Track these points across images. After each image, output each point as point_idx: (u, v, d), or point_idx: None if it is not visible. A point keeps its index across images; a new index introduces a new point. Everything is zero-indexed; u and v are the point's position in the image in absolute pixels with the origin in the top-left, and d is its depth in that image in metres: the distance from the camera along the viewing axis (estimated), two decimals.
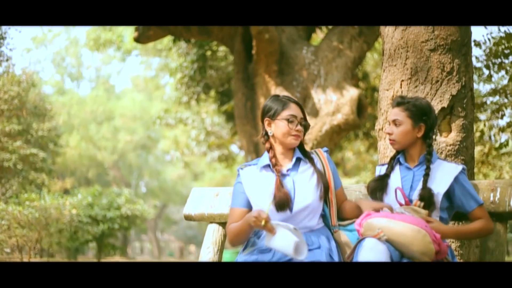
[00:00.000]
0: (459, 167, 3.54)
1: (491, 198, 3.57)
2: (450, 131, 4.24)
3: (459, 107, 4.24)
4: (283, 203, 3.40)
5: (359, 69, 11.90)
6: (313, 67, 9.49)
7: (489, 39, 9.24)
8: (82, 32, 46.24)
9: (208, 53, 14.49)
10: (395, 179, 3.65)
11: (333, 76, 9.46)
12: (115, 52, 33.44)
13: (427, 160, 3.57)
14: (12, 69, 15.76)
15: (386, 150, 4.39)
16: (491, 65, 9.33)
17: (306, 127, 3.61)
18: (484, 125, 10.67)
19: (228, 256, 19.05)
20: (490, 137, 11.10)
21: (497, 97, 10.14)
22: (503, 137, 10.98)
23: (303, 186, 3.50)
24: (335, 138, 9.51)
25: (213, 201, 4.20)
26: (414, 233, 3.14)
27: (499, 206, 3.53)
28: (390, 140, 3.67)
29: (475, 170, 7.56)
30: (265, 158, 3.63)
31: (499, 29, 9.20)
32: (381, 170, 3.84)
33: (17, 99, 15.99)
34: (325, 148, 3.75)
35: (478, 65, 9.40)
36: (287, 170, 3.55)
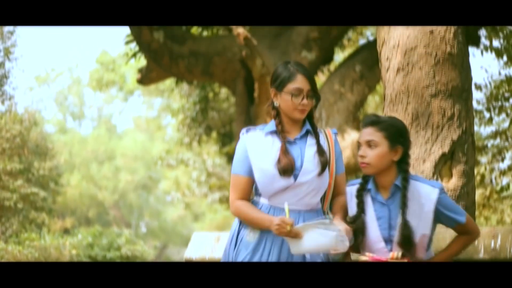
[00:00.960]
0: (436, 189, 3.27)
1: (492, 245, 3.56)
2: (451, 176, 4.24)
3: (460, 152, 4.25)
4: (287, 168, 3.28)
5: (360, 112, 11.95)
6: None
7: (489, 83, 9.30)
8: (85, 72, 46.53)
9: (210, 94, 14.57)
10: (371, 219, 3.32)
11: (335, 119, 9.49)
12: (117, 92, 33.65)
13: (404, 187, 3.26)
14: (14, 107, 15.81)
15: None
16: (492, 108, 9.38)
17: (315, 98, 3.46)
18: (485, 168, 10.67)
19: None
20: (491, 180, 11.10)
21: (498, 140, 10.17)
22: (504, 180, 10.97)
23: (310, 158, 3.37)
24: None
25: (214, 245, 4.20)
26: None
27: (500, 253, 3.52)
28: (362, 163, 3.31)
29: (476, 213, 7.55)
30: (271, 125, 3.51)
31: (500, 73, 9.26)
32: (352, 194, 3.43)
33: (19, 137, 16.01)
34: (334, 130, 3.57)
35: (479, 108, 9.44)
36: (295, 139, 3.43)
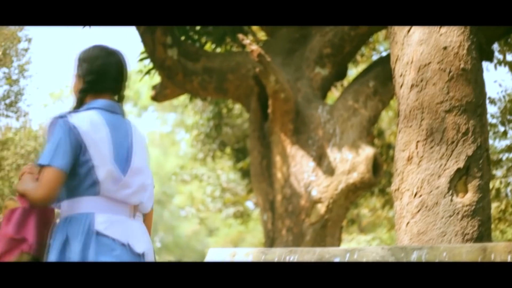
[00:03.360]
0: None
1: (509, 259, 3.55)
2: (467, 191, 4.24)
3: (475, 167, 4.25)
4: None
5: (374, 127, 11.95)
6: (328, 126, 9.54)
7: (504, 96, 9.30)
8: None
9: (224, 110, 14.62)
10: None
11: (349, 135, 9.50)
12: (132, 107, 33.78)
13: None
14: (29, 124, 15.91)
15: (402, 210, 4.40)
16: (506, 121, 9.38)
17: None
18: (500, 182, 10.65)
19: None
20: (506, 194, 11.07)
21: None
22: None
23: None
24: (351, 196, 9.50)
25: (230, 261, 4.21)
26: None
27: None
28: None
29: (492, 226, 7.54)
30: None
31: None
32: None
33: (33, 153, 16.08)
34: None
35: (493, 121, 9.44)
36: None
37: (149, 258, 3.10)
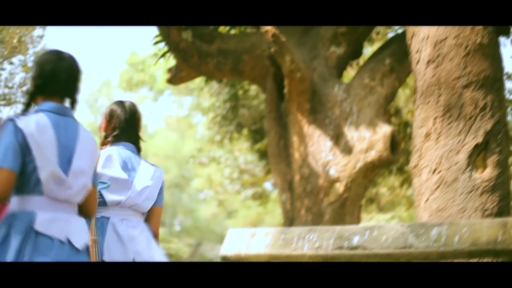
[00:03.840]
0: None
1: None
2: (485, 167, 4.22)
3: (493, 142, 4.23)
4: None
5: (391, 105, 11.89)
6: (345, 104, 9.51)
7: None
8: (115, 73, 46.89)
9: (240, 92, 14.59)
10: None
11: (366, 113, 9.46)
12: (147, 92, 33.83)
13: None
14: None
15: (421, 187, 4.38)
16: None
17: None
18: None
19: None
20: None
21: None
22: None
23: None
24: (369, 175, 9.48)
25: (250, 241, 4.22)
26: None
27: None
28: None
29: None
30: None
31: None
32: None
33: None
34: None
35: (511, 97, 9.37)
36: None
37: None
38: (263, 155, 15.78)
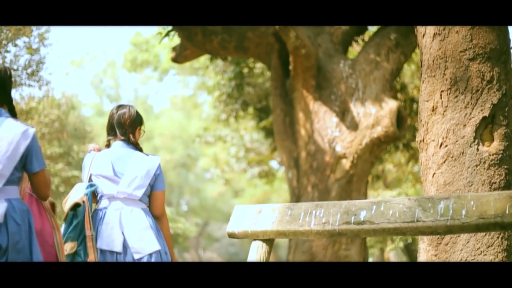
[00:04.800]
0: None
1: None
2: (492, 140, 4.20)
3: (500, 115, 4.20)
4: None
5: (397, 81, 11.84)
6: (351, 80, 9.48)
7: None
8: (119, 54, 46.81)
9: (245, 70, 14.55)
10: None
11: (372, 89, 9.44)
12: (152, 72, 33.79)
13: None
14: (51, 92, 15.98)
15: (428, 161, 4.36)
16: None
17: None
18: None
19: None
20: None
21: None
22: None
23: None
24: (376, 151, 9.47)
25: (256, 218, 4.21)
26: None
27: None
28: None
29: None
30: None
31: None
32: None
33: (57, 122, 16.19)
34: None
35: None
36: None
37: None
38: (269, 133, 15.77)
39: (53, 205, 4.63)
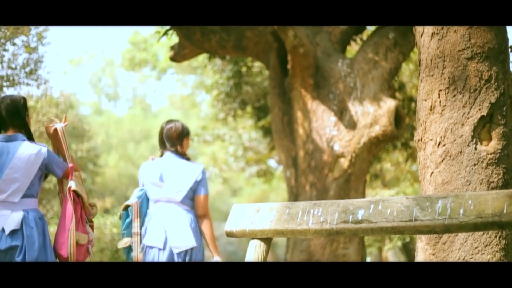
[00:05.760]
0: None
1: None
2: (490, 139, 4.20)
3: (498, 115, 4.20)
4: None
5: (395, 80, 11.85)
6: (349, 79, 9.48)
7: None
8: (117, 53, 46.78)
9: (244, 69, 14.54)
10: None
11: (370, 88, 9.44)
12: (150, 71, 33.76)
13: None
14: (50, 91, 15.95)
15: (426, 160, 4.37)
16: None
17: None
18: None
19: None
20: None
21: None
22: None
23: None
24: (374, 150, 9.47)
25: (254, 217, 4.21)
26: None
27: None
28: None
29: None
30: None
31: None
32: None
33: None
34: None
35: None
36: None
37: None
38: (267, 132, 15.76)
39: (92, 206, 5.14)
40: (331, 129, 9.31)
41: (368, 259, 19.32)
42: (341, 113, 9.38)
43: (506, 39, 4.42)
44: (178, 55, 11.51)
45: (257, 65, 14.63)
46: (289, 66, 9.66)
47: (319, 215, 3.77)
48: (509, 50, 4.68)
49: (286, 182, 10.13)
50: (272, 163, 21.42)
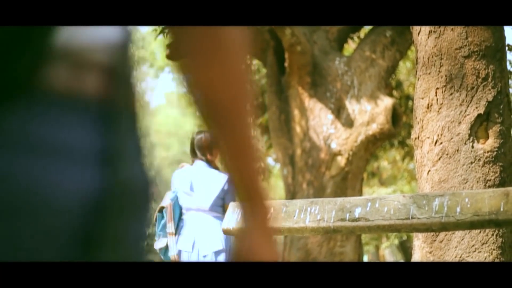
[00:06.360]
0: None
1: None
2: (487, 137, 4.20)
3: (495, 113, 4.21)
4: None
5: (392, 78, 11.85)
6: (346, 77, 9.48)
7: None
8: None
9: None
10: None
11: (367, 86, 9.44)
12: (148, 69, 33.76)
13: None
14: None
15: (423, 158, 4.37)
16: None
17: None
18: None
19: None
20: None
21: None
22: None
23: None
24: (371, 148, 9.47)
25: None
26: None
27: None
28: None
29: None
30: None
31: None
32: None
33: None
34: None
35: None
36: None
37: None
38: (264, 130, 15.75)
39: None
40: (328, 127, 9.32)
41: (365, 257, 19.35)
42: (338, 111, 9.38)
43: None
44: (175, 53, 11.49)
45: (254, 63, 14.63)
46: (286, 64, 9.66)
47: (316, 213, 3.77)
48: (506, 48, 4.69)
49: (283, 180, 10.13)
50: (269, 161, 21.43)
